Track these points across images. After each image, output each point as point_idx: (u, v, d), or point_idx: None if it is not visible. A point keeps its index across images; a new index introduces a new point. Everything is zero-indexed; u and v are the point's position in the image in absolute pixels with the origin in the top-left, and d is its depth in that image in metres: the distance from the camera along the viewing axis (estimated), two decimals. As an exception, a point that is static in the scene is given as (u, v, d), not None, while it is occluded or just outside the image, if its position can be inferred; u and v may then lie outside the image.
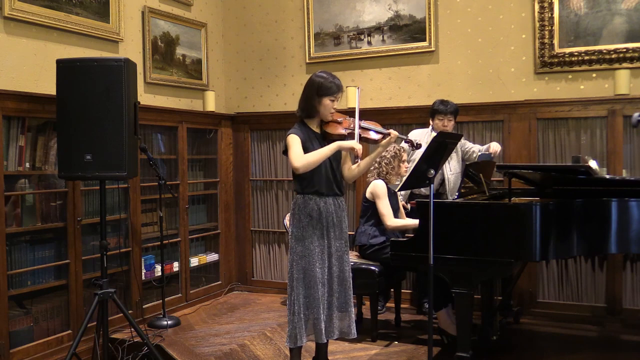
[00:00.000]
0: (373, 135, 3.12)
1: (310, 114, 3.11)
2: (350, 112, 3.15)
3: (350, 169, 3.20)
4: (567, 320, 4.29)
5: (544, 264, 4.43)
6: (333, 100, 3.06)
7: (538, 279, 4.47)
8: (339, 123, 3.13)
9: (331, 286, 3.09)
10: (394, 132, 3.10)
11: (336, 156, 3.10)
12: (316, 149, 3.01)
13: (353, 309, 3.16)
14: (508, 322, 4.24)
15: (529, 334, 4.10)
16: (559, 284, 4.43)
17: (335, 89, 3.06)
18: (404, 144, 4.04)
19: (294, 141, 2.99)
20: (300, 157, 2.94)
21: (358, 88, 3.27)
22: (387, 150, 4.04)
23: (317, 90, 3.05)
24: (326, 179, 3.06)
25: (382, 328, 4.18)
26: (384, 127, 3.18)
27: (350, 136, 3.06)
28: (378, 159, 4.08)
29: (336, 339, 3.24)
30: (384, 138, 3.11)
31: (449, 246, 3.21)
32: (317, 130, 3.13)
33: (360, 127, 3.10)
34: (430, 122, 4.32)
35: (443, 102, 4.29)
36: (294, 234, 3.09)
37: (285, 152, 3.04)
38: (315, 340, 3.08)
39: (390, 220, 3.95)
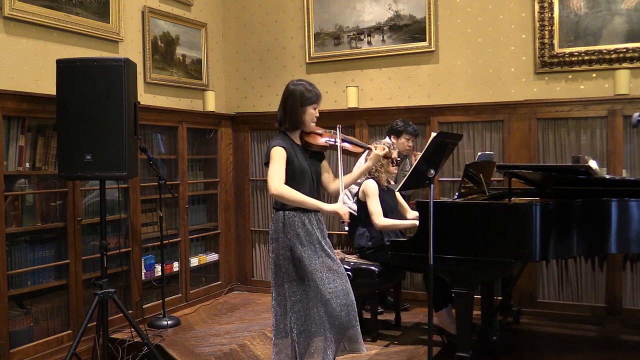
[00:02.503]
0: (352, 149, 3.01)
1: (296, 126, 2.94)
2: (331, 128, 3.06)
3: (333, 182, 3.07)
4: (567, 320, 4.29)
5: (544, 264, 4.43)
6: (315, 109, 2.94)
7: (538, 279, 4.47)
8: (320, 134, 3.00)
9: (332, 304, 2.82)
10: (377, 150, 3.00)
11: (317, 170, 2.98)
12: (301, 163, 2.89)
13: (359, 323, 2.92)
14: (508, 322, 4.24)
15: (529, 334, 4.10)
16: (559, 284, 4.43)
17: (315, 98, 2.93)
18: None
19: (279, 156, 2.82)
20: (279, 183, 2.76)
21: (339, 127, 3.02)
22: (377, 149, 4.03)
23: (300, 100, 2.90)
24: (310, 195, 2.87)
25: (382, 328, 4.18)
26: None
27: (332, 148, 2.96)
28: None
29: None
30: (365, 151, 3.02)
31: (449, 246, 3.20)
32: (299, 142, 2.98)
33: (342, 141, 2.97)
34: (394, 139, 4.35)
35: (407, 123, 4.33)
36: (282, 254, 2.86)
37: (268, 163, 2.85)
38: None
39: (379, 219, 3.94)
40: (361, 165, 3.10)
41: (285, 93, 2.97)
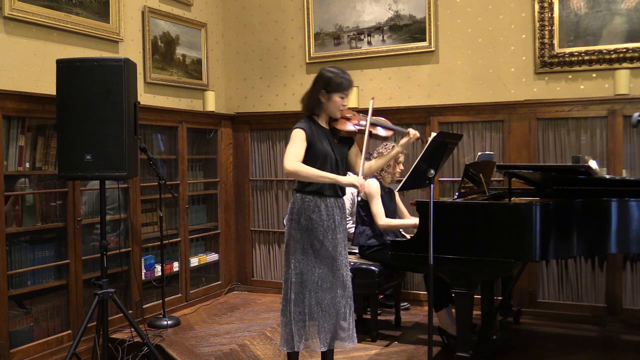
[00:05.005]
0: (381, 132, 2.98)
1: (315, 110, 2.93)
2: (361, 111, 3.03)
3: (358, 167, 3.01)
4: (567, 320, 4.29)
5: (544, 264, 4.43)
6: (343, 97, 2.90)
7: (538, 279, 4.47)
8: (348, 119, 2.96)
9: (334, 292, 2.90)
10: (413, 132, 2.96)
11: (341, 153, 2.97)
12: (324, 146, 2.87)
13: (354, 315, 3.02)
14: (508, 322, 4.25)
15: (529, 334, 4.10)
16: (559, 284, 4.43)
17: (346, 85, 2.89)
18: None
19: (298, 137, 2.82)
20: (294, 160, 2.76)
21: (372, 100, 3.03)
22: (386, 150, 4.03)
23: (325, 85, 2.88)
24: None
25: (382, 328, 4.18)
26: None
27: (360, 133, 2.92)
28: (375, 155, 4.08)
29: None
30: (395, 134, 2.99)
31: (449, 246, 3.20)
32: (326, 127, 2.96)
33: (370, 124, 2.93)
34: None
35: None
36: (293, 236, 2.93)
37: None
38: (312, 349, 2.92)
39: (382, 219, 3.94)
40: (390, 151, 3.05)
41: (316, 76, 2.96)
